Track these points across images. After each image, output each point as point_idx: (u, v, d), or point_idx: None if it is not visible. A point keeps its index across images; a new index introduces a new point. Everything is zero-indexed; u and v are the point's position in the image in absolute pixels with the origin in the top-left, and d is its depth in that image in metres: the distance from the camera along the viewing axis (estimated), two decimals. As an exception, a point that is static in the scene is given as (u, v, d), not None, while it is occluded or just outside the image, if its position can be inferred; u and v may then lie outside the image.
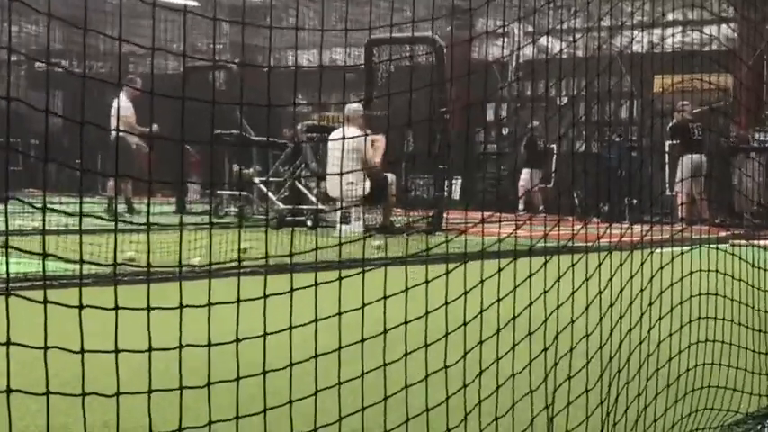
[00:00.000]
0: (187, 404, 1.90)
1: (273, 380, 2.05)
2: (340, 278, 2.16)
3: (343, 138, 10.39)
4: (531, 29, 18.53)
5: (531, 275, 2.76)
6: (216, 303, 1.92)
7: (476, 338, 2.58)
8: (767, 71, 17.66)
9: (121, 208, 14.55)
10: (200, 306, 1.90)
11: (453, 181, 18.63)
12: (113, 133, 13.33)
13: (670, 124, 15.93)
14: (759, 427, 3.54)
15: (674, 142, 16.21)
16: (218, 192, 15.05)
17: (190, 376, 1.88)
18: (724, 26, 16.31)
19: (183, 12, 2.02)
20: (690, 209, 13.84)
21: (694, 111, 15.61)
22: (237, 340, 1.94)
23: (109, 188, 15.48)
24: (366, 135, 11.18)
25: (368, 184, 12.32)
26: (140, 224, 2.04)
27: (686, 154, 15.26)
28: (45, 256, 1.63)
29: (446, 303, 2.44)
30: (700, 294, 3.61)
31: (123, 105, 14.21)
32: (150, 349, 1.78)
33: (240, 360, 1.95)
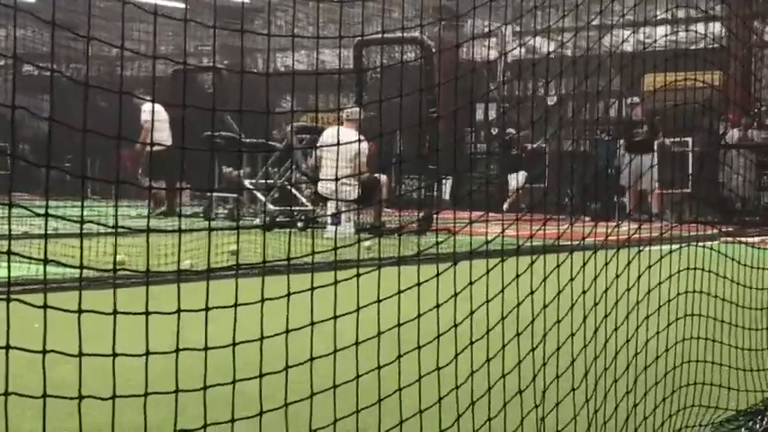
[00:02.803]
0: (182, 407, 1.90)
1: (269, 382, 2.06)
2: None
3: (339, 142, 10.39)
4: (518, 29, 18.54)
5: (518, 276, 2.77)
6: (214, 308, 1.91)
7: (466, 339, 2.59)
8: (756, 67, 17.71)
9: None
10: (199, 310, 1.91)
11: (444, 181, 18.62)
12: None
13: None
14: (750, 423, 3.55)
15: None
16: (208, 193, 15.02)
17: (185, 379, 1.89)
18: (711, 24, 16.34)
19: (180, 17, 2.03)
20: (640, 205, 13.99)
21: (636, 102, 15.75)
22: (234, 344, 1.94)
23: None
24: (360, 140, 11.16)
25: (357, 186, 12.32)
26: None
27: (630, 154, 15.40)
28: (46, 261, 1.64)
29: (437, 306, 2.45)
30: (688, 292, 3.62)
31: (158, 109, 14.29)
32: (147, 353, 1.79)
33: (236, 362, 1.95)
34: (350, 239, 10.25)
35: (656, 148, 15.47)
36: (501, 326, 2.72)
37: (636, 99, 16.09)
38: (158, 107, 14.40)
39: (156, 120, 14.30)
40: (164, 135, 14.51)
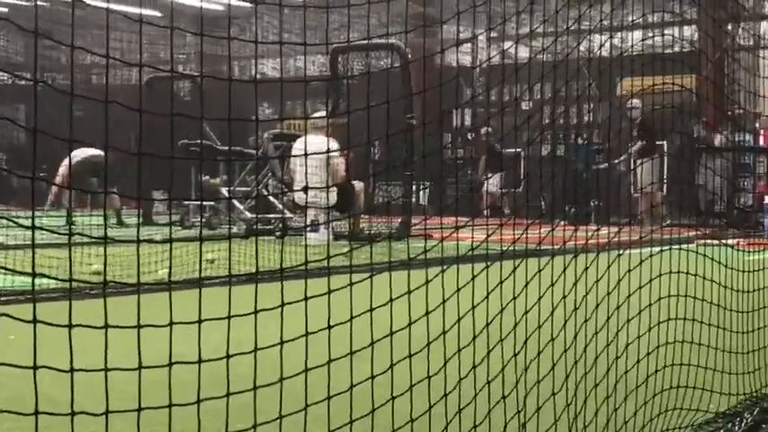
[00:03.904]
0: (175, 419, 1.88)
1: (262, 393, 2.05)
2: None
3: (323, 151, 10.38)
4: (495, 34, 18.58)
5: (501, 282, 2.77)
6: (204, 320, 1.90)
7: (452, 346, 2.59)
8: (729, 71, 17.84)
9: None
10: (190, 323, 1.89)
11: (422, 187, 18.66)
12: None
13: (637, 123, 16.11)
14: (729, 425, 3.56)
15: (638, 142, 16.42)
16: (185, 202, 14.98)
17: (176, 388, 1.87)
18: (686, 27, 16.47)
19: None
20: (648, 210, 14.02)
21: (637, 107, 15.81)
22: (228, 356, 1.92)
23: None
24: (340, 149, 11.16)
25: (334, 193, 12.32)
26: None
27: (644, 156, 15.46)
28: (34, 275, 1.62)
29: (427, 313, 2.45)
30: (669, 296, 3.62)
31: None
32: (140, 367, 1.77)
33: (229, 373, 1.93)
34: (329, 246, 10.24)
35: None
36: (486, 332, 2.72)
37: (636, 102, 16.07)
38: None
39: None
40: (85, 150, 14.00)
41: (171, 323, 1.83)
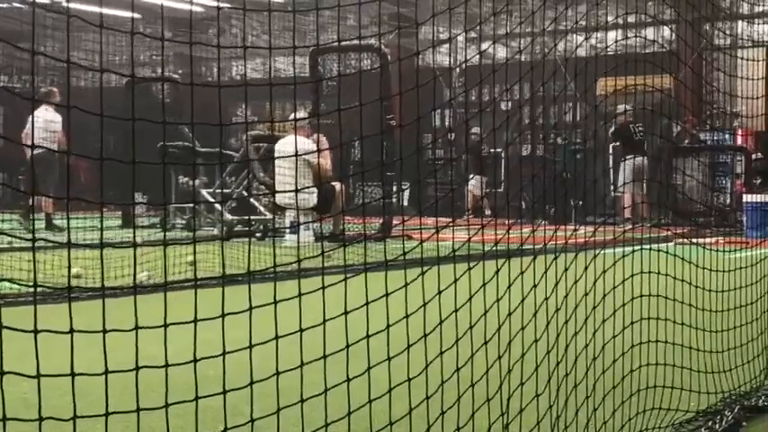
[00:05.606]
0: (145, 422, 1.87)
1: (234, 397, 2.03)
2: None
3: (297, 154, 10.36)
4: (474, 35, 18.62)
5: (484, 284, 2.76)
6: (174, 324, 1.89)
7: (435, 346, 2.58)
8: (706, 71, 17.94)
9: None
10: (155, 327, 1.88)
11: (403, 187, 18.65)
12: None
13: (611, 129, 16.20)
14: (710, 423, 3.57)
15: (617, 144, 16.52)
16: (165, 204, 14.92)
17: (147, 393, 1.85)
18: (663, 28, 16.54)
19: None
20: (634, 210, 14.09)
21: (629, 110, 15.84)
22: (195, 360, 1.91)
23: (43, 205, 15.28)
24: (319, 150, 11.13)
25: (314, 194, 12.31)
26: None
27: (628, 156, 15.54)
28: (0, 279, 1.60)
29: (407, 316, 2.45)
30: (649, 295, 3.63)
31: (50, 118, 13.92)
32: (106, 372, 1.75)
33: (199, 376, 1.92)
34: (311, 247, 10.22)
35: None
36: (469, 334, 2.72)
37: (620, 108, 16.08)
38: (45, 113, 13.94)
39: (41, 126, 13.76)
40: (49, 138, 13.89)
41: (137, 327, 1.82)
